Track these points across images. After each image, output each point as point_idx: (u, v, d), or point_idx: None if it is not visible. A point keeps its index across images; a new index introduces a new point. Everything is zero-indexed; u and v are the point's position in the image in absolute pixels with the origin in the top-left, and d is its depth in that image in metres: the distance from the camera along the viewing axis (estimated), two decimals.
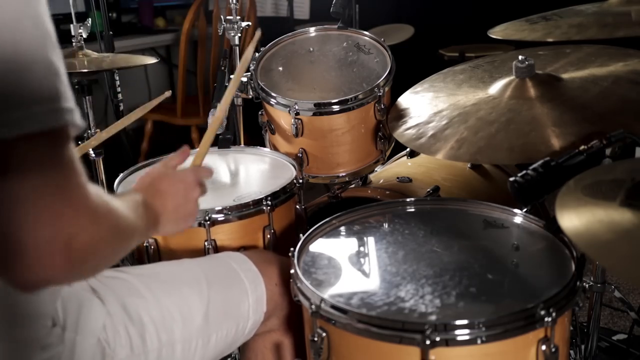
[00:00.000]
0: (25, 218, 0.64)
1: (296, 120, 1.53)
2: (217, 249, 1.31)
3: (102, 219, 0.72)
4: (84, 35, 1.96)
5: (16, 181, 0.64)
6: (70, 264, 0.68)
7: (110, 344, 0.97)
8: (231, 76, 1.76)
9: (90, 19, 1.99)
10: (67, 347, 0.91)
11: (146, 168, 1.57)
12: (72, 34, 1.95)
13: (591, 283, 1.24)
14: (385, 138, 1.60)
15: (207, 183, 1.47)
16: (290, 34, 1.77)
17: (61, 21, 3.45)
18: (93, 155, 1.96)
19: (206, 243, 1.30)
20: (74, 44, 1.96)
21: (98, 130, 1.56)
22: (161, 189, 1.01)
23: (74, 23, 1.94)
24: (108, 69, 2.04)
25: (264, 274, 1.17)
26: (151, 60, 2.08)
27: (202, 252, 1.30)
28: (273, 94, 1.57)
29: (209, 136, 1.16)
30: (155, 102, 1.53)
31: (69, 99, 0.67)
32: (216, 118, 1.20)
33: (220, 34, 1.82)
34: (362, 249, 1.15)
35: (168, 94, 1.54)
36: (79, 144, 1.66)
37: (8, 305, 0.85)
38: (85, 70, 1.88)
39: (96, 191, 0.72)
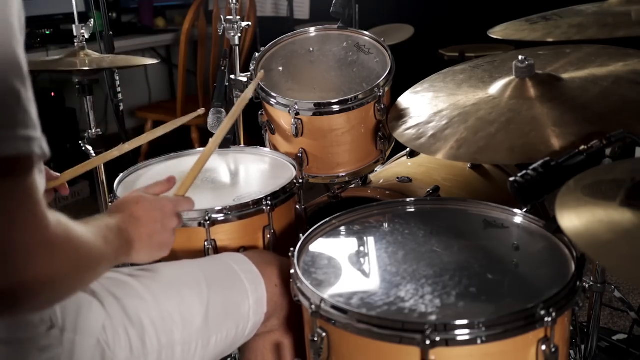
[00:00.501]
0: None
1: (296, 120, 1.53)
2: (217, 249, 1.31)
3: (59, 250, 0.69)
4: (86, 36, 1.96)
5: None
6: (21, 293, 0.66)
7: (110, 345, 0.97)
8: (232, 76, 1.77)
9: (92, 19, 1.99)
10: (66, 349, 0.91)
11: (147, 168, 1.58)
12: (74, 34, 1.95)
13: (591, 283, 1.24)
14: (385, 138, 1.60)
15: (207, 183, 1.47)
16: (290, 34, 1.77)
17: (61, 21, 3.48)
18: (93, 155, 1.96)
19: (206, 243, 1.30)
20: (75, 44, 1.96)
21: (122, 142, 1.57)
22: (137, 215, 0.99)
23: (77, 23, 1.95)
24: (109, 68, 2.04)
25: (264, 274, 1.16)
26: (151, 60, 2.08)
27: (202, 252, 1.30)
28: (273, 94, 1.57)
29: (195, 169, 1.15)
30: (185, 119, 1.50)
31: (29, 127, 0.65)
32: (206, 152, 1.18)
33: (220, 34, 1.82)
34: (362, 249, 1.15)
35: (201, 111, 1.52)
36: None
37: None
38: (87, 69, 1.88)
39: (57, 220, 0.70)
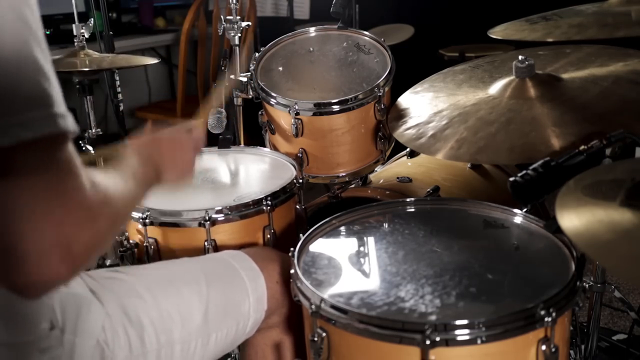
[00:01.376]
0: (25, 225, 0.64)
1: (296, 120, 1.53)
2: (217, 249, 1.31)
3: (100, 213, 0.72)
4: (86, 35, 1.96)
5: (14, 188, 0.64)
6: (72, 266, 0.68)
7: (109, 345, 0.96)
8: (232, 76, 1.77)
9: (92, 19, 1.99)
10: (66, 350, 0.91)
11: None
12: (74, 33, 1.95)
13: (591, 283, 1.24)
14: (385, 138, 1.60)
15: (208, 183, 1.48)
16: (290, 34, 1.77)
17: (62, 21, 3.47)
18: (93, 153, 1.96)
19: (206, 243, 1.30)
20: (75, 44, 1.96)
21: (99, 130, 1.56)
22: (159, 142, 1.06)
23: (76, 23, 1.95)
24: (109, 68, 2.04)
25: (265, 272, 1.16)
26: (151, 60, 2.08)
27: (202, 252, 1.30)
28: (273, 94, 1.57)
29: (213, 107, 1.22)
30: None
31: (61, 104, 0.67)
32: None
33: (220, 34, 1.82)
34: (362, 249, 1.15)
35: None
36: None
37: (5, 308, 0.85)
38: (87, 70, 1.88)
39: (92, 183, 0.71)
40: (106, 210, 0.74)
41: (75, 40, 1.96)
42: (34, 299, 0.76)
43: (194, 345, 1.06)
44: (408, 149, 1.90)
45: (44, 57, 0.67)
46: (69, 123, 0.67)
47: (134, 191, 0.87)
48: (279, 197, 1.37)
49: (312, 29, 1.76)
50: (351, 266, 1.08)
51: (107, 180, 0.78)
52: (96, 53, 2.02)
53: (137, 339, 1.00)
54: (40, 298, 0.72)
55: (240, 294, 1.13)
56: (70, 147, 0.69)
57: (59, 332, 0.91)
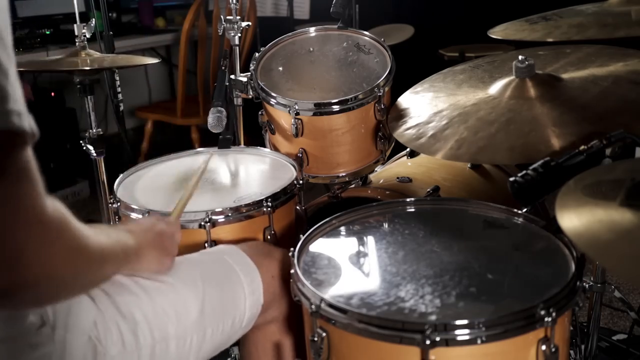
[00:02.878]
0: None
1: (296, 120, 1.54)
2: None
3: (57, 234, 0.66)
4: (87, 35, 1.96)
5: None
6: (18, 281, 0.63)
7: (101, 341, 0.96)
8: (232, 76, 1.77)
9: (94, 19, 1.99)
10: (58, 346, 0.90)
11: (147, 168, 1.57)
12: (76, 34, 1.96)
13: (591, 283, 1.24)
14: (385, 138, 1.60)
15: (208, 184, 1.48)
16: (290, 34, 1.77)
17: (62, 21, 3.48)
18: (94, 155, 1.97)
19: (206, 244, 1.30)
20: (77, 43, 1.96)
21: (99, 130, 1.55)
22: (139, 224, 1.05)
23: (77, 23, 1.95)
24: (109, 67, 2.04)
25: (260, 266, 1.16)
26: (151, 60, 2.08)
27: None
28: (273, 94, 1.57)
29: (185, 199, 1.22)
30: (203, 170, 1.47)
31: (17, 102, 0.62)
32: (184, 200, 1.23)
33: (220, 34, 1.82)
34: (362, 249, 1.15)
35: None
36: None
37: None
38: (88, 69, 1.88)
39: (54, 206, 0.67)
40: (63, 236, 0.68)
41: (76, 40, 1.96)
42: None
43: (189, 340, 1.06)
44: (408, 149, 1.90)
45: (5, 54, 0.63)
46: (26, 123, 0.62)
47: (103, 246, 0.79)
48: (280, 198, 1.37)
49: (312, 29, 1.76)
50: (351, 266, 1.08)
51: (72, 216, 0.71)
52: (97, 53, 2.02)
53: (130, 334, 0.99)
54: None
55: (235, 288, 1.12)
56: (29, 152, 0.64)
57: (49, 328, 0.90)
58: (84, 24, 1.95)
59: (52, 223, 0.66)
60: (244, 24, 1.83)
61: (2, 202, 0.61)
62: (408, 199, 1.30)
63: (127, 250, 0.93)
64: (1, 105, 0.61)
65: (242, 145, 1.74)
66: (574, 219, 0.76)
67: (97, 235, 0.78)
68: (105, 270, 0.83)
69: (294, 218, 1.45)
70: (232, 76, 1.78)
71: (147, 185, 1.49)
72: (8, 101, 0.61)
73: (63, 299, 0.80)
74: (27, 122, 0.63)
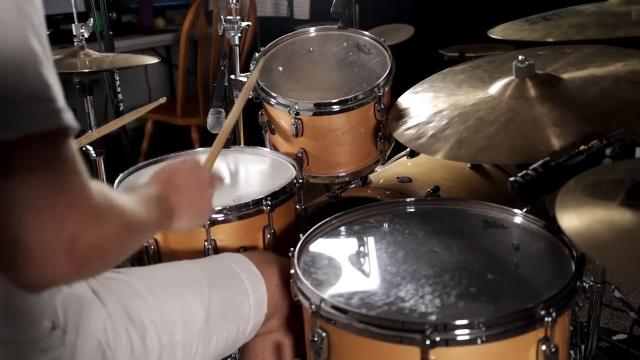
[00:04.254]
0: (29, 220, 0.64)
1: (296, 120, 1.53)
2: (217, 249, 1.31)
3: (106, 217, 0.71)
4: (86, 35, 1.96)
5: (18, 183, 0.64)
6: (76, 264, 0.68)
7: (110, 346, 0.97)
8: (232, 76, 1.77)
9: (92, 18, 1.99)
10: (68, 350, 0.91)
11: (147, 168, 1.57)
12: (74, 33, 1.95)
13: (591, 283, 1.24)
14: (385, 138, 1.60)
15: None
16: (290, 34, 1.77)
17: (62, 21, 3.47)
18: (94, 155, 1.96)
19: (206, 243, 1.30)
20: (75, 43, 1.96)
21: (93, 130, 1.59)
22: (177, 183, 1.01)
23: (76, 23, 1.95)
24: (109, 68, 2.04)
25: (265, 275, 1.16)
26: (151, 60, 2.08)
27: (202, 252, 1.30)
28: (273, 94, 1.57)
29: (220, 142, 1.18)
30: (150, 107, 1.55)
31: (62, 99, 0.67)
32: (226, 127, 1.22)
33: (220, 34, 1.82)
34: (362, 249, 1.15)
35: (162, 100, 1.59)
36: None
37: (8, 308, 0.85)
38: (87, 70, 1.88)
39: (99, 189, 0.71)
40: (113, 215, 0.73)
41: (75, 40, 1.96)
42: (37, 293, 0.76)
43: (195, 347, 1.06)
44: (408, 149, 1.90)
45: (45, 53, 0.67)
46: (70, 119, 0.67)
47: (145, 218, 0.84)
48: (279, 197, 1.37)
49: (312, 29, 1.76)
50: (351, 266, 1.08)
51: (115, 193, 0.77)
52: (96, 53, 2.02)
53: (139, 340, 1.00)
54: (42, 292, 0.72)
55: (240, 296, 1.13)
56: (73, 144, 0.69)
57: (60, 332, 0.91)
58: (82, 23, 1.95)
59: (101, 207, 0.70)
60: (244, 24, 1.83)
61: (55, 191, 0.66)
62: (408, 199, 1.30)
63: (161, 219, 0.94)
64: (52, 104, 0.65)
65: (242, 145, 1.74)
66: (574, 219, 0.76)
67: (139, 207, 0.83)
68: (144, 240, 0.90)
69: (293, 217, 1.45)
70: (232, 76, 1.78)
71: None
72: (56, 100, 0.66)
73: (108, 269, 0.84)
74: (71, 117, 0.68)
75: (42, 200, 0.65)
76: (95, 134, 1.46)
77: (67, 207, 0.66)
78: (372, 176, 1.82)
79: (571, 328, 1.04)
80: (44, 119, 0.64)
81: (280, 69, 1.68)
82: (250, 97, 1.72)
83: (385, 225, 1.22)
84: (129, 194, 0.86)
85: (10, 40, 0.63)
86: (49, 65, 0.67)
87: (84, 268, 0.69)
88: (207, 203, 1.06)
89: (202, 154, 1.66)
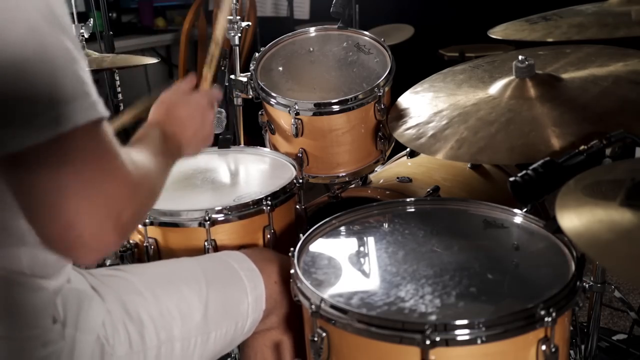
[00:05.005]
0: (81, 202, 0.70)
1: (296, 120, 1.53)
2: (217, 249, 1.31)
3: (141, 186, 0.79)
4: (86, 35, 1.96)
5: (70, 172, 0.70)
6: (122, 234, 0.75)
7: (109, 341, 0.97)
8: (232, 76, 1.77)
9: (92, 19, 1.99)
10: (68, 344, 0.91)
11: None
12: (74, 33, 1.95)
13: (591, 283, 1.24)
14: (385, 138, 1.60)
15: (207, 183, 1.48)
16: (290, 34, 1.77)
17: None
18: None
19: (206, 243, 1.30)
20: None
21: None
22: (179, 115, 1.08)
23: (76, 23, 1.95)
24: (109, 68, 2.04)
25: (264, 272, 1.17)
26: (151, 60, 2.08)
27: (202, 252, 1.30)
28: (273, 94, 1.57)
29: (211, 56, 1.22)
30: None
31: (95, 91, 0.74)
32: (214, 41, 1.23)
33: None
34: (362, 249, 1.15)
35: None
36: None
37: (10, 302, 0.85)
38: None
39: (131, 159, 0.78)
40: (145, 184, 0.82)
41: None
42: (92, 263, 0.82)
43: (193, 342, 1.07)
44: (408, 149, 1.90)
45: (77, 50, 0.73)
46: (103, 108, 0.74)
47: (162, 165, 0.93)
48: (279, 197, 1.37)
49: (312, 29, 1.76)
50: (351, 266, 1.08)
51: (141, 157, 0.85)
52: (96, 53, 2.02)
53: (137, 335, 1.00)
54: (96, 262, 0.79)
55: (239, 293, 1.13)
56: (109, 129, 0.75)
57: (60, 326, 0.91)
58: (82, 24, 1.95)
59: (136, 179, 0.77)
60: (244, 24, 1.83)
61: (101, 175, 0.72)
62: (408, 199, 1.30)
63: (174, 156, 1.02)
64: (91, 97, 0.72)
65: (242, 145, 1.74)
66: (574, 219, 0.76)
67: (157, 158, 0.91)
68: (165, 179, 0.95)
69: (293, 217, 1.45)
70: (232, 76, 1.78)
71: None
72: (92, 92, 0.73)
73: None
74: (103, 106, 0.75)
75: (90, 184, 0.71)
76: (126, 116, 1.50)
77: (113, 188, 0.73)
78: (372, 176, 1.82)
79: (571, 328, 1.04)
80: (85, 112, 0.71)
81: (280, 69, 1.68)
82: (250, 97, 1.72)
83: (385, 225, 1.22)
84: (141, 144, 0.93)
85: (48, 42, 0.69)
86: (82, 61, 0.73)
87: (127, 234, 0.79)
88: (208, 128, 1.13)
89: (202, 154, 1.66)
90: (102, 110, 0.74)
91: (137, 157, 0.83)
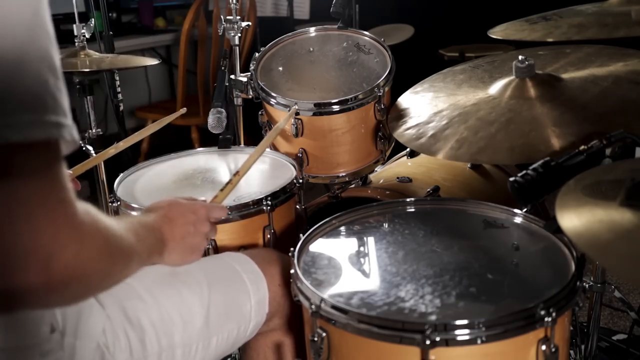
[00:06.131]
0: (5, 226, 0.63)
1: (296, 120, 1.54)
2: (217, 249, 1.31)
3: (88, 238, 0.69)
4: (87, 35, 1.96)
5: (3, 186, 0.63)
6: (52, 282, 0.65)
7: (109, 348, 0.96)
8: (232, 76, 1.77)
9: (93, 19, 1.99)
10: (67, 353, 0.90)
11: (147, 168, 1.58)
12: (75, 33, 1.96)
13: (591, 283, 1.24)
14: (385, 138, 1.60)
15: (208, 183, 1.47)
16: (290, 34, 1.77)
17: (62, 21, 3.47)
18: (94, 154, 1.97)
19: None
20: (76, 43, 1.96)
21: (115, 141, 1.62)
22: (170, 215, 1.02)
23: (77, 23, 1.95)
24: (109, 68, 2.05)
25: (267, 274, 1.16)
26: (151, 61, 2.08)
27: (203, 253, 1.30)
28: (273, 94, 1.57)
29: (232, 185, 1.20)
30: (171, 118, 1.59)
31: (60, 113, 0.65)
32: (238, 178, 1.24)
33: (220, 34, 1.82)
34: (362, 249, 1.15)
35: (183, 111, 1.67)
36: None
37: (9, 315, 0.84)
38: (87, 70, 1.88)
39: (85, 209, 0.70)
40: (96, 238, 0.71)
41: (75, 40, 1.96)
42: (6, 312, 0.74)
43: (194, 348, 1.06)
44: (408, 149, 1.90)
45: (51, 73, 0.66)
46: (66, 132, 0.65)
47: (132, 245, 0.82)
48: (279, 197, 1.37)
49: (312, 29, 1.76)
50: (351, 266, 1.08)
51: (103, 216, 0.74)
52: (96, 53, 2.02)
53: (138, 342, 0.99)
54: (12, 311, 0.69)
55: (241, 296, 1.12)
56: (63, 162, 0.67)
57: (59, 335, 0.90)
58: (83, 24, 1.95)
59: (84, 226, 0.68)
60: (244, 24, 1.83)
61: (35, 201, 0.64)
62: (408, 199, 1.30)
63: (151, 249, 0.94)
64: (40, 116, 0.63)
65: (242, 145, 1.74)
66: (574, 219, 0.76)
67: (127, 233, 0.81)
68: (131, 269, 0.84)
69: (293, 217, 1.45)
70: (232, 76, 1.78)
71: (147, 185, 1.49)
72: (47, 112, 0.64)
73: (90, 297, 0.82)
74: (67, 132, 0.66)
75: (20, 208, 0.63)
76: (122, 144, 1.49)
77: (45, 220, 0.64)
78: (372, 176, 1.82)
79: (571, 328, 1.04)
80: (30, 129, 0.62)
81: (280, 69, 1.68)
82: (250, 97, 1.72)
83: (385, 225, 1.22)
84: (121, 220, 0.85)
85: (27, 50, 0.63)
86: (55, 81, 0.66)
87: (61, 288, 0.67)
88: (199, 239, 1.07)
89: (202, 154, 1.66)
90: (58, 134, 0.64)
91: (102, 217, 0.73)
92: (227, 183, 1.21)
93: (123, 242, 0.78)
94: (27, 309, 0.70)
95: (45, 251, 0.64)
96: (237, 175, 1.23)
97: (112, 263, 0.76)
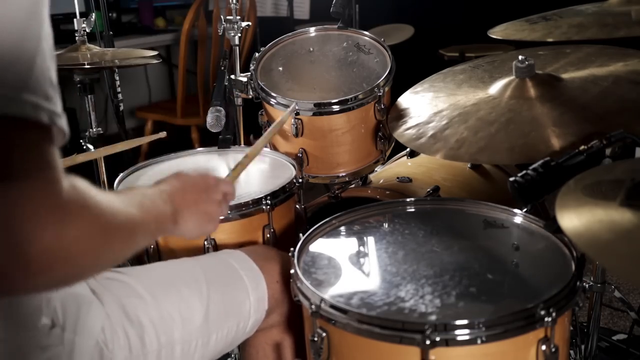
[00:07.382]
0: None
1: (296, 120, 1.53)
2: (216, 248, 1.31)
3: (73, 217, 0.64)
4: (88, 30, 1.97)
5: None
6: (30, 268, 0.61)
7: (108, 345, 0.96)
8: (232, 76, 1.76)
9: (93, 14, 2.00)
10: (66, 348, 0.91)
11: (147, 168, 1.58)
12: (76, 28, 1.96)
13: (591, 283, 1.24)
14: (385, 138, 1.60)
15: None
16: (290, 34, 1.77)
17: (62, 21, 3.47)
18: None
19: (206, 242, 1.30)
20: (77, 38, 1.97)
21: (99, 129, 1.64)
22: (180, 183, 0.97)
23: (77, 17, 1.96)
24: (110, 65, 2.05)
25: (265, 271, 1.16)
26: (152, 53, 2.08)
27: (201, 251, 1.30)
28: (273, 94, 1.57)
29: (242, 166, 1.19)
30: (148, 139, 1.63)
31: (38, 94, 0.62)
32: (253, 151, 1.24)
33: (220, 34, 1.82)
34: (362, 249, 1.15)
35: (162, 134, 1.71)
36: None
37: (8, 306, 0.85)
38: (88, 67, 1.89)
39: (71, 184, 0.65)
40: (82, 216, 0.65)
41: (76, 35, 1.97)
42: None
43: (194, 345, 1.06)
44: (408, 149, 1.90)
45: (39, 55, 0.63)
46: (47, 116, 0.62)
47: (133, 218, 0.76)
48: (279, 196, 1.37)
49: (312, 29, 1.76)
50: (351, 266, 1.08)
51: (95, 191, 0.69)
52: (97, 47, 2.03)
53: (137, 339, 1.00)
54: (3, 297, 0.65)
55: (240, 293, 1.13)
56: (51, 145, 0.63)
57: (59, 330, 0.91)
58: (84, 18, 1.96)
59: (69, 205, 0.63)
60: (244, 24, 1.83)
61: (13, 184, 0.60)
62: (408, 199, 1.30)
63: (160, 218, 0.88)
64: (16, 93, 0.60)
65: (242, 145, 1.74)
66: (574, 219, 0.76)
67: (126, 207, 0.76)
68: (136, 242, 0.79)
69: (293, 217, 1.45)
70: (232, 76, 1.78)
71: (147, 184, 1.48)
72: (24, 91, 0.60)
73: (86, 278, 0.77)
74: (47, 115, 0.62)
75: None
76: (81, 157, 1.50)
77: (21, 200, 0.59)
78: (372, 176, 1.82)
79: (571, 328, 1.04)
80: (10, 105, 0.59)
81: (280, 69, 1.68)
82: (250, 97, 1.72)
83: (385, 225, 1.22)
84: (120, 193, 0.82)
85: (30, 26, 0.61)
86: (42, 63, 0.63)
87: (45, 272, 0.62)
88: (214, 206, 1.01)
89: (201, 154, 1.66)
90: (39, 115, 0.61)
91: (93, 192, 0.68)
92: (237, 164, 1.17)
93: (119, 217, 0.72)
94: (11, 294, 0.66)
95: (23, 233, 0.59)
96: (247, 157, 1.20)
97: (106, 241, 0.70)
